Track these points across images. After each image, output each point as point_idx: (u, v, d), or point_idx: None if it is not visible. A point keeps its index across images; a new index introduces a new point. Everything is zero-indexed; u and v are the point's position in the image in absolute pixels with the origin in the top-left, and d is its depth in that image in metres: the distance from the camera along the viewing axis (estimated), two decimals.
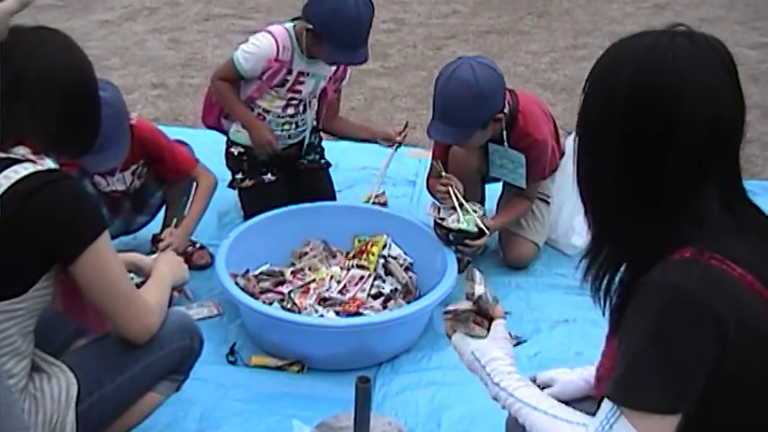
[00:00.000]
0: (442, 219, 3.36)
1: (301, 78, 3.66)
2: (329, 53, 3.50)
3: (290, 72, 3.63)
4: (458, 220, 3.34)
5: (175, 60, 6.14)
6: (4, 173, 1.94)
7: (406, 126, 3.87)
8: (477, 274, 1.96)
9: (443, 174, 3.48)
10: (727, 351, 1.47)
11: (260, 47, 3.58)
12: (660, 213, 1.57)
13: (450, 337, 1.93)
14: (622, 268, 1.65)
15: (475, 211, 3.37)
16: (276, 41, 3.57)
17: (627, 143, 1.56)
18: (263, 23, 3.74)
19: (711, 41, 1.62)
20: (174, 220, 3.47)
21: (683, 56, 1.56)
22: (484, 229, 3.35)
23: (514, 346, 1.89)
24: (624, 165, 1.57)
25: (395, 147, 3.84)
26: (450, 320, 1.93)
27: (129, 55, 6.23)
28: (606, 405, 1.55)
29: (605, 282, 1.67)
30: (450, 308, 1.95)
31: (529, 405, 1.70)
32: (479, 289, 1.92)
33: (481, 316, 1.92)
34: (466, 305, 1.92)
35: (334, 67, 3.73)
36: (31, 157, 2.02)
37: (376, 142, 3.95)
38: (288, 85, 3.66)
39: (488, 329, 1.89)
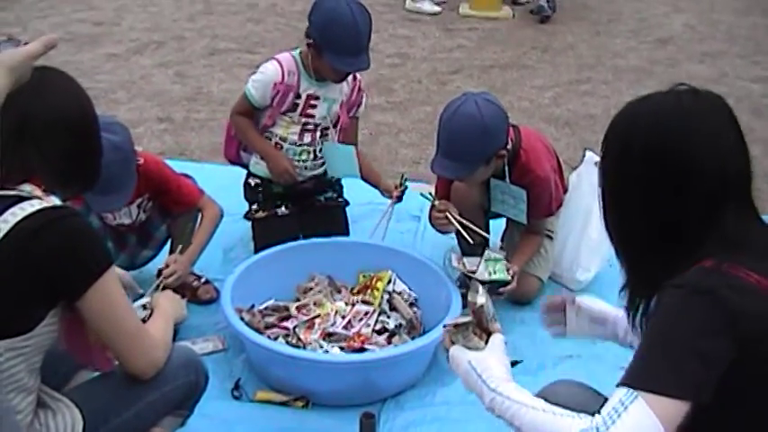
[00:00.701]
0: (473, 271, 3.37)
1: (312, 102, 3.70)
2: (331, 62, 3.53)
3: (298, 96, 3.67)
4: (491, 271, 3.36)
5: (181, 94, 6.16)
6: (12, 210, 1.96)
7: (402, 181, 3.82)
8: (480, 287, 1.99)
9: (436, 202, 3.51)
10: (745, 347, 1.58)
11: (265, 73, 3.66)
12: (683, 247, 1.72)
13: (447, 350, 1.98)
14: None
15: (497, 259, 3.39)
16: (281, 66, 3.65)
17: (646, 196, 1.75)
18: (268, 58, 3.78)
19: (714, 96, 1.81)
20: (180, 247, 3.48)
21: (688, 113, 1.76)
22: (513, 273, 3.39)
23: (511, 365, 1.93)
24: (646, 215, 1.76)
25: (392, 203, 3.81)
26: (450, 332, 1.98)
27: (135, 89, 6.25)
28: (620, 391, 1.60)
29: (641, 310, 1.80)
30: (450, 321, 2.01)
31: (527, 405, 1.71)
32: (481, 299, 1.96)
33: (480, 329, 1.96)
34: (465, 318, 1.97)
35: (346, 91, 3.78)
36: (38, 193, 2.04)
37: (378, 188, 3.93)
38: (299, 109, 3.70)
39: (486, 343, 1.93)
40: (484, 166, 3.31)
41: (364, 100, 3.93)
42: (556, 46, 7.47)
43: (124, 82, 6.40)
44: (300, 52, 3.71)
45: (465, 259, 3.45)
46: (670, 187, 1.72)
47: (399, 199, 3.81)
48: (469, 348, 1.93)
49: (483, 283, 3.23)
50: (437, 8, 8.26)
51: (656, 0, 9.08)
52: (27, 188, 2.04)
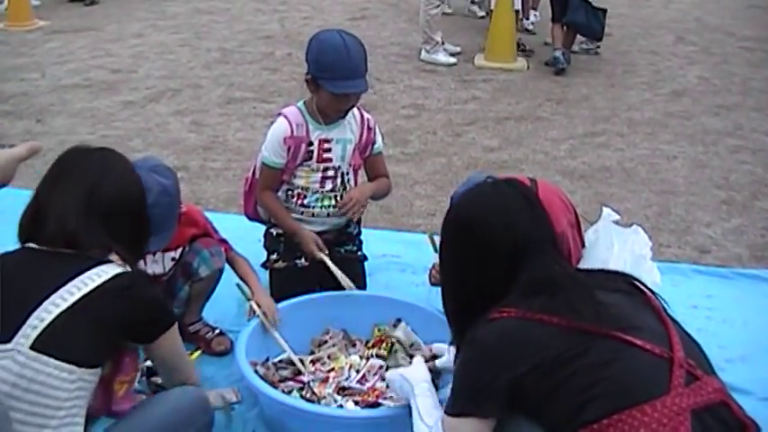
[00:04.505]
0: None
1: (326, 145, 3.70)
2: (328, 89, 3.53)
3: (310, 143, 3.67)
4: None
5: (197, 143, 6.19)
6: (102, 267, 2.33)
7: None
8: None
9: (436, 262, 3.51)
10: (522, 374, 2.08)
11: (274, 131, 3.68)
12: (488, 303, 2.22)
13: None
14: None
15: None
16: (287, 120, 3.66)
17: (460, 263, 2.41)
18: (284, 107, 3.79)
19: (510, 182, 2.47)
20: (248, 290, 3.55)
21: (480, 198, 2.40)
22: None
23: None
24: (461, 279, 2.40)
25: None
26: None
27: (151, 136, 6.29)
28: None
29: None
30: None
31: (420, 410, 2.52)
32: (398, 333, 3.37)
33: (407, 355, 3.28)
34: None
35: (356, 131, 3.77)
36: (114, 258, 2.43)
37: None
38: (315, 155, 3.70)
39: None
40: None
41: (379, 137, 3.91)
42: (571, 98, 7.50)
43: (140, 129, 6.44)
44: (304, 102, 3.73)
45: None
46: (476, 263, 2.32)
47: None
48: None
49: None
50: (452, 59, 8.33)
51: (670, 52, 9.14)
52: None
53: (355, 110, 3.76)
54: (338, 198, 3.79)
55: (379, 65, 8.21)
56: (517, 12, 8.62)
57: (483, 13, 10.12)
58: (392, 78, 7.86)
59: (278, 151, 3.67)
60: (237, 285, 3.56)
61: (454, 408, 2.24)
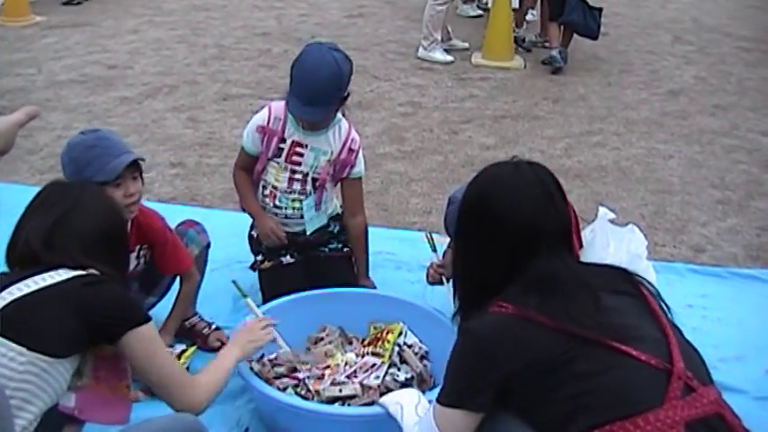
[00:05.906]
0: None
1: (298, 149, 3.70)
2: (287, 102, 3.60)
3: (283, 140, 3.68)
4: None
5: (194, 139, 6.18)
6: (64, 269, 2.38)
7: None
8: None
9: (435, 259, 3.53)
10: (511, 372, 2.10)
11: (254, 119, 3.73)
12: (490, 288, 2.23)
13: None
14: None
15: None
16: (269, 110, 3.71)
17: (466, 246, 2.38)
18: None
19: (533, 166, 2.36)
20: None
21: (496, 175, 2.34)
22: None
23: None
24: (468, 261, 2.37)
25: None
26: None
27: (147, 132, 6.27)
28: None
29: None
30: None
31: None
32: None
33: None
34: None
35: (336, 146, 3.73)
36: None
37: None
38: (284, 154, 3.70)
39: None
40: None
41: (361, 164, 3.84)
42: (567, 97, 7.50)
43: (136, 125, 6.43)
44: None
45: None
46: (483, 240, 2.28)
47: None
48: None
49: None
50: (449, 57, 8.31)
51: (667, 52, 9.13)
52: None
53: (345, 125, 3.75)
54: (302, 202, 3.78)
55: (377, 62, 8.21)
56: (515, 10, 8.61)
57: (474, 13, 10.12)
58: (389, 76, 7.85)
59: (251, 138, 3.73)
60: (233, 282, 3.56)
61: (445, 397, 2.25)
